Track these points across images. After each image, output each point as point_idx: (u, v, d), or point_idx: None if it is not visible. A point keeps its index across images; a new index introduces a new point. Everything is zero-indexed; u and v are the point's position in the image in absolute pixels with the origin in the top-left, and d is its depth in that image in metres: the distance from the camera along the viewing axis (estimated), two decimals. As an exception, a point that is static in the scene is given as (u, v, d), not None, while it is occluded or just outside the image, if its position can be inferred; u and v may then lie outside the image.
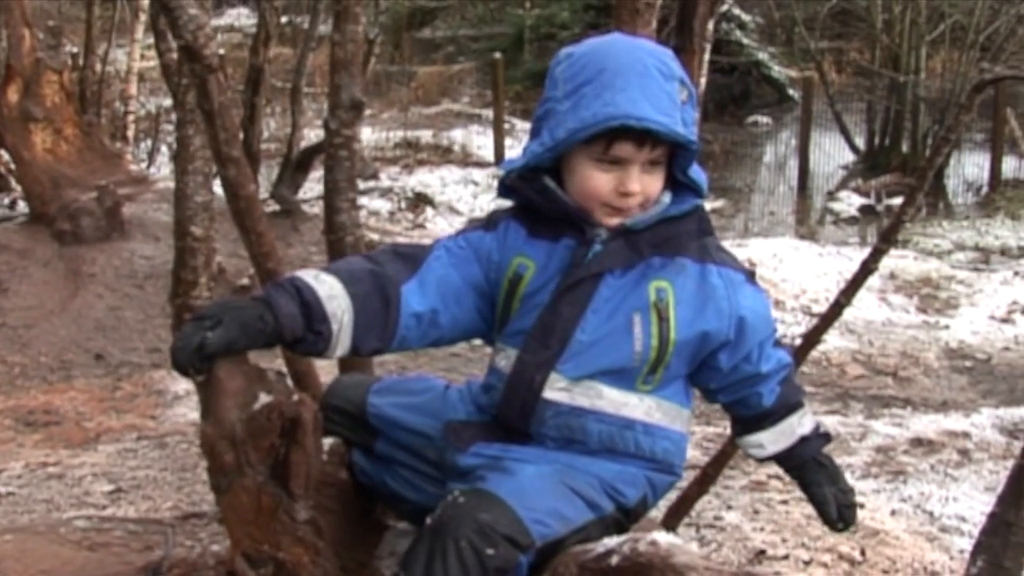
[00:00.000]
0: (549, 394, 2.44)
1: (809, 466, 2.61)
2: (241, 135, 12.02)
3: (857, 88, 20.99)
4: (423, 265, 2.49)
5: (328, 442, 2.61)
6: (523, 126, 19.36)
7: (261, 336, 2.28)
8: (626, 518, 2.47)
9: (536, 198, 2.48)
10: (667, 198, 2.45)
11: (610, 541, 2.26)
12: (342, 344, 2.41)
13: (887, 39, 18.74)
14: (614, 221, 2.43)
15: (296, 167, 12.96)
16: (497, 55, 19.14)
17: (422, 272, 2.48)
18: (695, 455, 6.11)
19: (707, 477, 4.12)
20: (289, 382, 2.43)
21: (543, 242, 2.49)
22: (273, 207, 12.90)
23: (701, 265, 2.47)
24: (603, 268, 2.43)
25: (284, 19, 18.16)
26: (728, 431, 3.80)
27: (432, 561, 2.17)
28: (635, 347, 2.41)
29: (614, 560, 2.19)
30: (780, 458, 2.64)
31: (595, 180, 2.40)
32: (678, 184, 2.47)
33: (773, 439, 2.60)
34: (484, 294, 2.53)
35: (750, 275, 2.56)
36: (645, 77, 2.35)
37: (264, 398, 2.25)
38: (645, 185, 2.40)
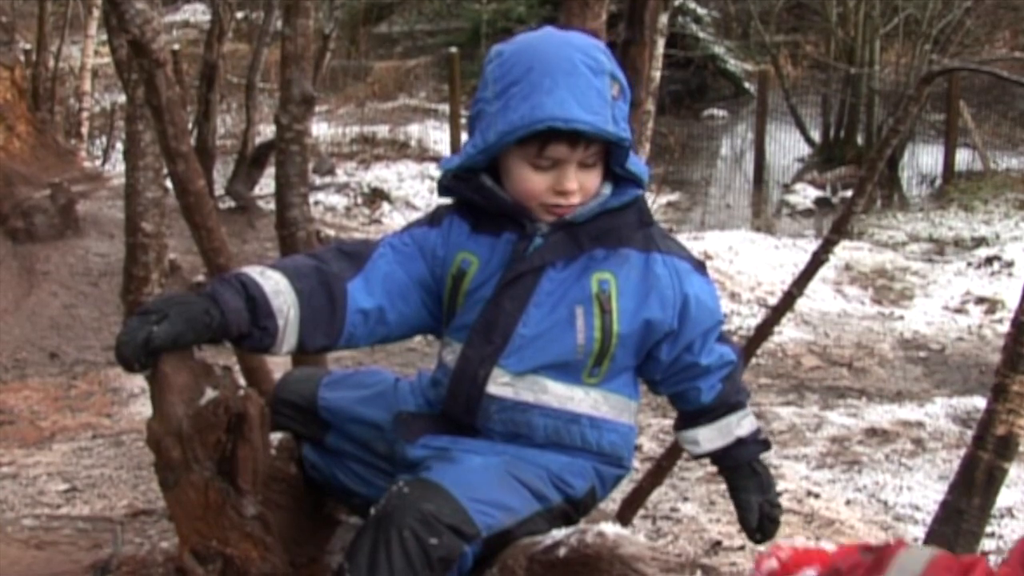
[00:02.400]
0: (493, 389, 2.43)
1: (742, 470, 2.60)
2: (196, 131, 12.02)
3: (812, 81, 21.11)
4: (368, 263, 2.48)
5: (277, 437, 2.60)
6: (480, 121, 19.35)
7: (207, 331, 2.27)
8: (574, 510, 2.47)
9: (474, 197, 2.48)
10: (607, 190, 2.45)
11: (558, 533, 2.26)
12: (288, 341, 2.39)
13: (842, 32, 18.85)
14: (553, 217, 2.43)
15: (251, 163, 12.92)
16: (453, 50, 19.11)
17: (367, 270, 2.47)
18: (651, 447, 6.14)
19: (661, 469, 4.13)
20: (241, 380, 2.42)
21: (486, 237, 2.48)
22: (229, 203, 12.85)
23: (646, 254, 2.46)
24: (544, 262, 2.42)
25: (240, 15, 18.05)
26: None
27: (376, 551, 2.16)
28: (578, 340, 2.41)
29: (562, 552, 2.19)
30: (715, 457, 2.63)
31: (531, 181, 2.39)
32: (618, 176, 2.46)
33: (709, 436, 2.59)
34: (430, 290, 2.53)
35: (698, 264, 2.55)
36: (573, 75, 2.33)
37: (210, 393, 2.23)
38: (582, 182, 2.39)
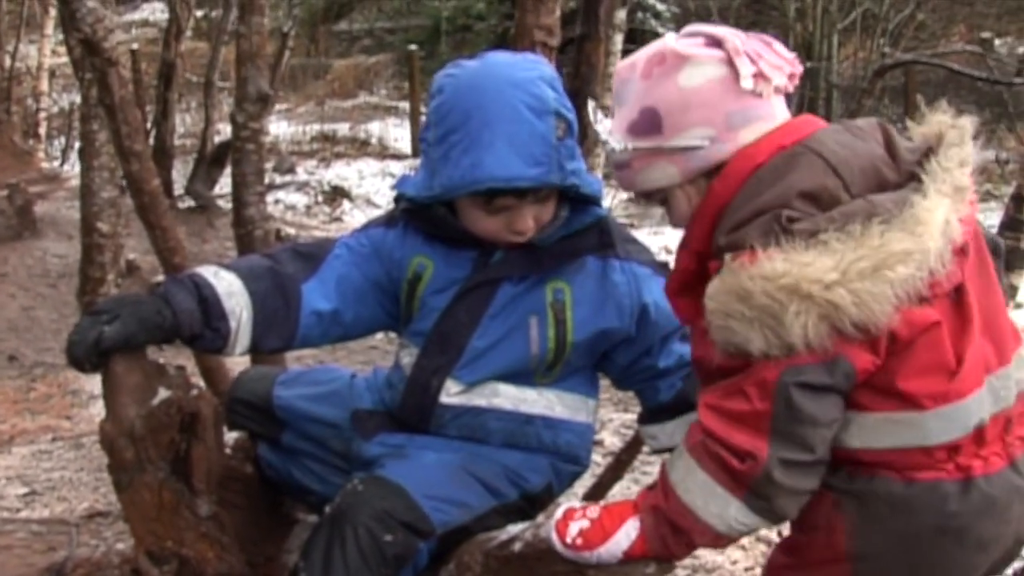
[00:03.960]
0: (445, 399, 2.43)
1: None
2: (155, 130, 11.95)
3: (771, 75, 21.16)
4: (323, 264, 2.47)
5: (233, 437, 2.59)
6: (441, 118, 19.28)
7: (159, 331, 2.26)
8: (530, 505, 2.47)
9: (429, 228, 2.46)
10: (565, 211, 2.41)
11: (513, 528, 2.27)
12: (241, 342, 2.39)
13: (800, 27, 18.92)
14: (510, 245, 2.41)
15: (211, 162, 12.84)
16: (413, 47, 19.08)
17: (322, 271, 2.46)
18: (612, 441, 6.13)
19: (621, 463, 4.13)
20: (199, 381, 2.41)
21: (442, 244, 2.47)
22: (188, 203, 12.77)
23: (603, 261, 2.44)
24: (501, 274, 2.41)
25: (199, 13, 17.96)
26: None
27: (331, 548, 2.16)
28: (531, 350, 2.40)
29: (517, 547, 2.20)
30: None
31: (484, 223, 2.36)
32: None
33: (667, 432, 2.57)
34: (386, 290, 2.51)
35: (661, 267, 2.51)
36: (514, 123, 2.25)
37: (163, 393, 2.23)
38: (537, 215, 2.35)
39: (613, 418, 6.67)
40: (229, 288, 2.36)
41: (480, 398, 2.42)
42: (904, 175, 2.01)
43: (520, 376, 2.43)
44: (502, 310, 2.40)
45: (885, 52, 14.92)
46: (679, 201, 2.11)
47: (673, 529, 2.04)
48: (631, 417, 6.59)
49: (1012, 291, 3.66)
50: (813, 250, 1.87)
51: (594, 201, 2.43)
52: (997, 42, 18.34)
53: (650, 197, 2.15)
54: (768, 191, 1.95)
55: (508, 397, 2.43)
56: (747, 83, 2.03)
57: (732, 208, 1.97)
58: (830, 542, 2.03)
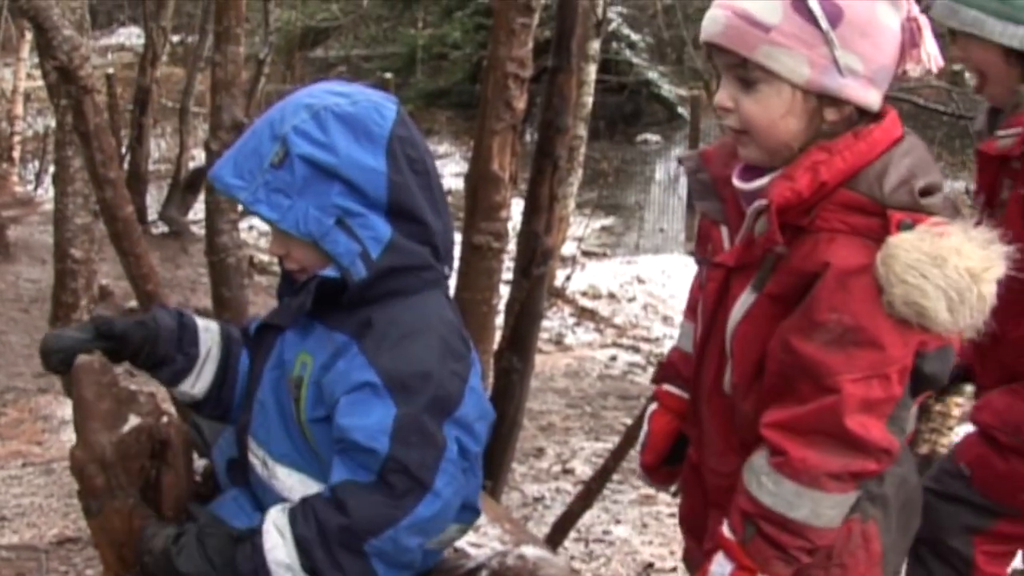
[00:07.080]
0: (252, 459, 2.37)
1: None
2: (129, 156, 11.94)
3: (745, 106, 21.27)
4: None
5: (202, 464, 2.60)
6: (416, 145, 19.33)
7: (139, 328, 2.27)
8: None
9: None
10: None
11: (479, 555, 2.28)
12: (204, 375, 2.37)
13: (774, 58, 19.05)
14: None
15: (185, 188, 12.84)
16: (389, 75, 19.13)
17: None
18: (583, 470, 6.16)
19: (590, 491, 4.15)
20: (172, 408, 2.41)
21: None
22: (162, 228, 12.77)
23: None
24: (275, 321, 2.33)
25: (175, 38, 17.97)
26: (613, 447, 3.82)
27: None
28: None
29: (483, 574, 2.21)
30: None
31: None
32: None
33: None
34: None
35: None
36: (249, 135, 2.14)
37: (133, 420, 2.24)
38: (291, 252, 2.31)
39: (584, 447, 6.71)
40: (206, 324, 2.40)
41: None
42: None
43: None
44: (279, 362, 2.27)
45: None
46: (777, 101, 1.98)
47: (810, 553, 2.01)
48: (602, 446, 6.63)
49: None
50: (975, 240, 1.90)
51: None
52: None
53: (727, 73, 2.01)
54: (931, 170, 1.99)
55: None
56: (915, 66, 2.02)
57: (893, 167, 1.96)
58: (869, 555, 2.09)
